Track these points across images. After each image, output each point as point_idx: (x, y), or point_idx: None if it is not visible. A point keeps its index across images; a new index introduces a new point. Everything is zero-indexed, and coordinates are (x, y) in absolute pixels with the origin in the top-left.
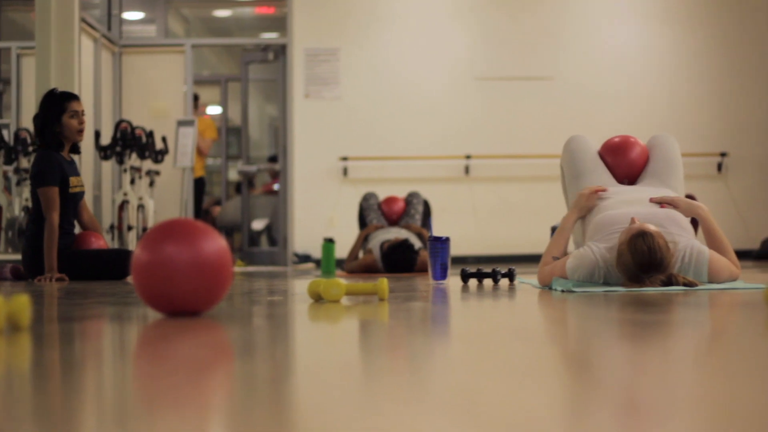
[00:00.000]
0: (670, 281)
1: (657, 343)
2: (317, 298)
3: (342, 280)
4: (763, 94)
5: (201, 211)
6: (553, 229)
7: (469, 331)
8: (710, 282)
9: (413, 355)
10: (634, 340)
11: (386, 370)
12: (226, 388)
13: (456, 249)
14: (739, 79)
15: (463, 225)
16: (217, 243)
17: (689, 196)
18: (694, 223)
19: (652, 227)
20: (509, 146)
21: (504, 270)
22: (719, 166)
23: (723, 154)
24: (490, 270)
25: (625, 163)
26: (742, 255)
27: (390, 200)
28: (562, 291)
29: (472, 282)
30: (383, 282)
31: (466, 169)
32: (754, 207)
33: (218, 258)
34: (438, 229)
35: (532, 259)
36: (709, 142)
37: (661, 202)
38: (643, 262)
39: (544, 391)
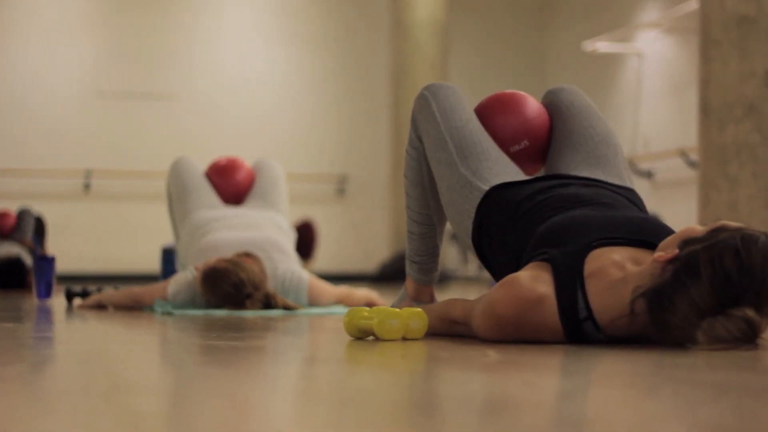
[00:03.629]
0: (269, 303)
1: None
2: None
3: None
4: (382, 119)
5: None
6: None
7: (32, 353)
8: (311, 305)
9: None
10: (194, 364)
11: None
12: None
13: (75, 266)
14: (360, 104)
15: (83, 242)
16: None
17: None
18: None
19: (222, 263)
20: (132, 164)
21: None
22: (340, 189)
23: (344, 178)
24: (96, 288)
25: (230, 184)
26: (361, 278)
27: (0, 215)
28: (162, 313)
29: (76, 301)
30: None
31: (86, 187)
32: (372, 229)
33: None
34: (58, 246)
35: (148, 279)
36: (331, 165)
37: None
38: (223, 299)
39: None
